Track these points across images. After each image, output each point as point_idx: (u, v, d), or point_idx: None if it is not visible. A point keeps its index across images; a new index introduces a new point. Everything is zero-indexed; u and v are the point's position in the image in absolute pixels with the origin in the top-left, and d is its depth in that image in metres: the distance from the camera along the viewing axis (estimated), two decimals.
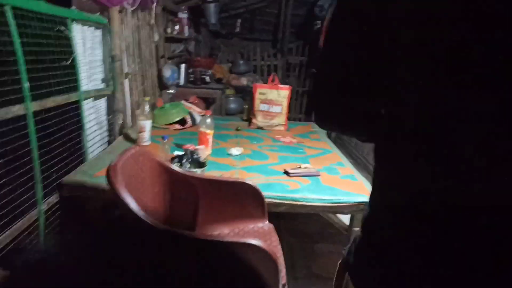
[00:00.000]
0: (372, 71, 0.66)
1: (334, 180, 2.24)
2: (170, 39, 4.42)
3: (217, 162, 2.45)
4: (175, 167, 1.79)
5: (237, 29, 6.20)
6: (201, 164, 2.15)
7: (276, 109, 3.50)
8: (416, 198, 0.61)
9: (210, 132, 2.57)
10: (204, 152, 2.35)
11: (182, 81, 4.51)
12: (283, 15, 5.90)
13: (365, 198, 1.99)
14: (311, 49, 5.86)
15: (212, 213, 1.79)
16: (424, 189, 0.60)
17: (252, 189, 1.80)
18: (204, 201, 1.78)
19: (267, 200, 1.92)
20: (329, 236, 2.64)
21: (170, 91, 4.17)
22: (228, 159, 2.53)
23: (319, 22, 5.38)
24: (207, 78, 4.70)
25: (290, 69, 6.15)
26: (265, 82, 5.74)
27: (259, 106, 3.53)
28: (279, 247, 1.63)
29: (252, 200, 1.81)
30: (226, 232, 1.78)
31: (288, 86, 3.63)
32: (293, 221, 2.84)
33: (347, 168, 2.49)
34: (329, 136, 3.74)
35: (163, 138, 2.28)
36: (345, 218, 2.68)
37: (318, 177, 2.28)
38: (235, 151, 2.62)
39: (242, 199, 1.81)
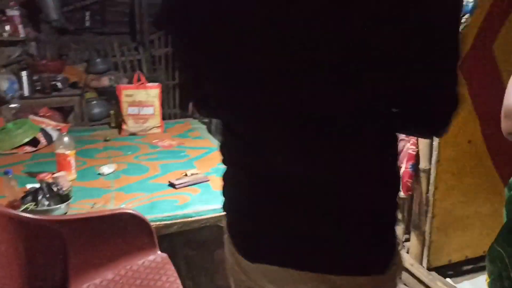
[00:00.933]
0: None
1: None
2: (0, 43, 3.64)
3: (85, 187, 2.05)
4: (23, 214, 1.37)
5: (87, 23, 5.50)
6: (63, 198, 1.74)
7: (147, 110, 3.15)
8: (240, 169, 0.82)
9: (70, 153, 2.13)
10: (65, 179, 1.93)
11: (26, 91, 3.78)
12: (138, 4, 5.43)
13: None
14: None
15: (87, 259, 1.45)
16: (241, 163, 0.80)
17: (134, 217, 1.50)
18: (74, 247, 1.42)
19: (154, 224, 1.64)
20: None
21: (12, 105, 3.45)
22: (99, 181, 2.14)
23: None
24: (59, 84, 4.04)
25: (155, 62, 5.74)
26: (130, 79, 5.25)
27: (127, 110, 3.13)
28: (178, 281, 1.39)
29: (136, 231, 1.52)
30: (110, 277, 1.46)
31: (156, 83, 3.29)
32: (188, 233, 2.60)
33: None
34: (209, 130, 3.55)
35: (6, 173, 1.79)
36: None
37: (208, 182, 2.07)
38: (107, 168, 2.24)
39: (124, 232, 1.50)
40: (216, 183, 2.05)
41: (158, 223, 1.69)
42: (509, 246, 0.85)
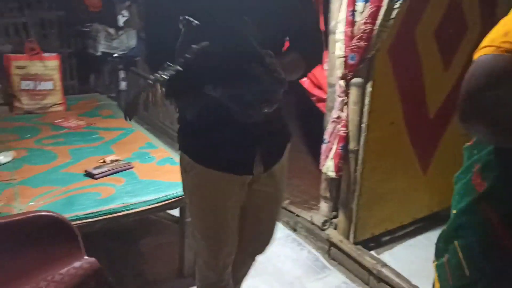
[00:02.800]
0: None
1: (151, 170, 1.88)
2: None
3: None
4: None
5: None
6: None
7: (45, 85, 2.74)
8: None
9: None
10: None
11: None
12: None
13: None
14: (69, 1, 4.85)
15: None
16: None
17: (52, 220, 1.27)
18: None
19: (75, 223, 1.42)
20: (152, 226, 2.31)
21: None
22: None
23: None
24: None
25: (45, 26, 4.99)
26: (15, 45, 4.51)
27: (20, 84, 2.68)
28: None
29: (56, 235, 1.29)
30: None
31: (55, 54, 2.87)
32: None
33: (160, 149, 2.15)
34: (119, 107, 3.23)
35: None
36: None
37: (132, 170, 1.87)
38: (3, 157, 1.89)
39: (41, 238, 1.26)
40: (142, 171, 1.87)
41: (79, 222, 1.48)
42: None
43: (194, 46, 0.79)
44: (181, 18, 0.82)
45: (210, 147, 1.09)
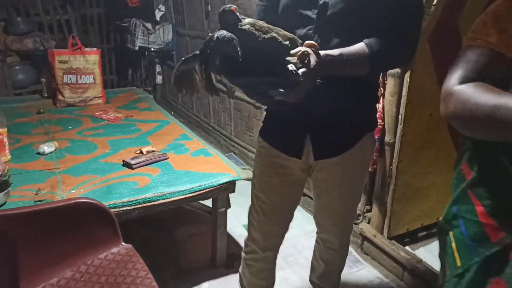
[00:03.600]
0: None
1: (186, 161, 1.92)
2: None
3: (24, 170, 1.80)
4: None
5: None
6: (1, 185, 1.50)
7: (86, 79, 2.84)
8: None
9: (2, 130, 1.85)
10: (0, 162, 1.66)
11: None
12: None
13: (228, 177, 1.75)
14: None
15: (40, 257, 1.26)
16: None
17: (93, 207, 1.33)
18: (23, 244, 1.23)
19: (114, 211, 1.48)
20: (186, 217, 2.36)
21: None
22: (40, 161, 1.89)
23: None
24: None
25: (87, 23, 5.18)
26: (59, 42, 4.72)
27: (62, 78, 2.80)
28: (149, 275, 1.26)
29: (96, 222, 1.34)
30: (68, 275, 1.29)
31: (95, 49, 2.96)
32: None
33: (195, 140, 2.19)
34: (155, 100, 3.32)
35: None
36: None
37: (167, 160, 1.91)
38: (47, 147, 1.98)
39: (82, 224, 1.32)
40: (176, 161, 1.91)
41: (117, 209, 1.53)
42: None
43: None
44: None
45: (272, 127, 1.26)
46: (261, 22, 0.91)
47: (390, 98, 1.79)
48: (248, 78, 0.89)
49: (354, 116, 1.15)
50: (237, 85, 0.94)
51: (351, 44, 1.00)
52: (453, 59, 1.92)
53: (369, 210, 2.07)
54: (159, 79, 4.11)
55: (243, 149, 3.28)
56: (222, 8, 0.89)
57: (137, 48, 4.13)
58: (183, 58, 0.97)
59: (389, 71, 1.76)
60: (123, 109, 2.75)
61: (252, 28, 0.88)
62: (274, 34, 0.89)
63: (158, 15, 4.17)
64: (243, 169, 1.94)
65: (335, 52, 0.97)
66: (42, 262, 1.27)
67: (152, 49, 4.16)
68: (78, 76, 2.81)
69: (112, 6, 4.98)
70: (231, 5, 0.89)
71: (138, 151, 1.98)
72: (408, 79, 1.74)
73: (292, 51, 0.90)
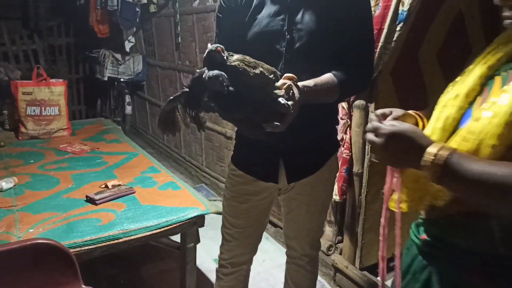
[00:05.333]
0: None
1: (153, 195, 1.86)
2: None
3: None
4: None
5: None
6: None
7: (51, 110, 2.76)
8: None
9: None
10: None
11: None
12: None
13: (197, 211, 1.71)
14: (79, 28, 4.97)
15: None
16: None
17: (50, 247, 1.25)
18: None
19: (74, 251, 1.40)
20: (154, 252, 2.28)
21: None
22: None
23: None
24: None
25: (55, 53, 5.10)
26: (25, 72, 4.60)
27: (25, 109, 2.71)
28: None
29: (55, 263, 1.27)
30: None
31: (61, 80, 2.91)
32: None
33: (163, 173, 2.14)
34: (124, 131, 3.25)
35: None
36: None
37: (134, 195, 1.85)
38: (5, 183, 1.88)
39: (40, 265, 1.24)
40: (143, 196, 1.85)
41: (78, 249, 1.45)
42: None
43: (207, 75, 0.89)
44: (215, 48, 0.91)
45: (244, 155, 1.33)
46: (248, 57, 0.93)
47: (357, 129, 1.83)
48: (242, 113, 0.90)
49: (322, 138, 1.29)
50: (229, 120, 0.98)
51: (317, 75, 1.05)
52: (414, 90, 2.00)
53: (341, 241, 2.06)
54: (128, 109, 4.06)
55: (214, 179, 3.24)
56: (208, 49, 0.91)
57: (106, 78, 4.09)
58: (170, 98, 0.98)
59: (355, 103, 1.81)
60: (90, 141, 2.68)
61: (242, 64, 0.89)
62: (261, 69, 0.91)
63: (128, 46, 4.16)
64: (213, 201, 1.91)
65: (310, 83, 1.05)
66: None
67: (121, 80, 4.13)
68: (43, 108, 2.73)
69: (82, 36, 4.95)
70: (216, 45, 0.91)
71: (103, 186, 1.91)
72: (373, 110, 1.79)
73: (277, 84, 0.93)
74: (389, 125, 0.74)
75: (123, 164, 2.26)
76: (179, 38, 3.45)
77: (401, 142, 0.72)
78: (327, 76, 1.11)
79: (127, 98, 4.03)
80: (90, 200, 1.77)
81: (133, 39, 4.19)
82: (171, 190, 1.93)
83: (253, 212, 1.37)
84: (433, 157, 0.67)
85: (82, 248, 1.46)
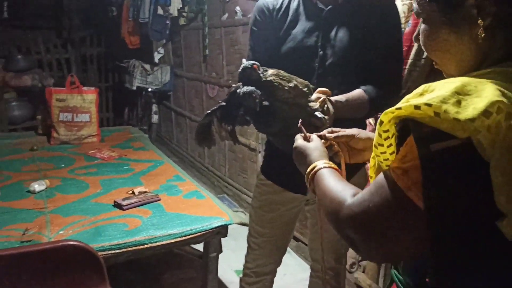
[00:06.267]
0: None
1: (178, 203, 1.89)
2: None
3: (12, 209, 1.76)
4: None
5: (5, 15, 4.89)
6: None
7: (82, 117, 2.85)
8: None
9: None
10: None
11: None
12: None
13: (221, 221, 1.72)
14: (109, 39, 5.15)
15: None
16: None
17: (80, 250, 1.29)
18: (8, 287, 1.18)
19: (102, 254, 1.43)
20: (175, 260, 2.30)
21: None
22: (29, 200, 1.86)
23: (114, 8, 4.72)
24: None
25: (86, 62, 5.29)
26: (57, 79, 4.78)
27: (58, 116, 2.81)
28: None
29: (83, 265, 1.30)
30: None
31: (93, 88, 3.00)
32: None
33: (188, 182, 2.17)
34: (150, 139, 3.32)
35: None
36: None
37: (159, 202, 1.88)
38: (38, 185, 1.95)
39: (69, 266, 1.28)
40: (168, 203, 1.88)
41: (105, 252, 1.49)
42: None
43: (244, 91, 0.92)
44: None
45: (275, 165, 1.37)
46: (282, 72, 0.95)
47: None
48: (276, 127, 0.93)
49: None
50: (264, 132, 1.01)
51: (347, 90, 1.07)
52: None
53: (364, 259, 2.03)
54: (155, 118, 4.15)
55: (237, 190, 3.25)
56: (243, 65, 0.94)
57: (134, 88, 4.20)
58: (207, 112, 1.02)
59: None
60: (117, 148, 2.74)
61: (276, 78, 0.92)
62: (295, 82, 0.94)
63: (157, 57, 4.28)
64: (236, 211, 1.92)
65: (342, 98, 1.09)
66: None
67: (149, 89, 4.23)
68: (74, 115, 2.82)
69: (112, 47, 5.12)
70: (252, 62, 0.94)
71: (130, 192, 1.95)
72: None
73: (312, 98, 0.95)
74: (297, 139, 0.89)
75: (149, 172, 2.31)
76: (207, 51, 3.53)
77: (298, 155, 0.87)
78: (358, 92, 1.14)
79: (154, 108, 4.12)
80: (117, 205, 1.81)
81: (162, 50, 4.30)
82: (195, 199, 1.95)
83: (280, 222, 1.39)
84: (310, 169, 0.80)
85: (109, 252, 1.49)
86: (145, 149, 2.77)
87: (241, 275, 1.60)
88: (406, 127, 0.55)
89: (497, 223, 0.47)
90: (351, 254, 2.06)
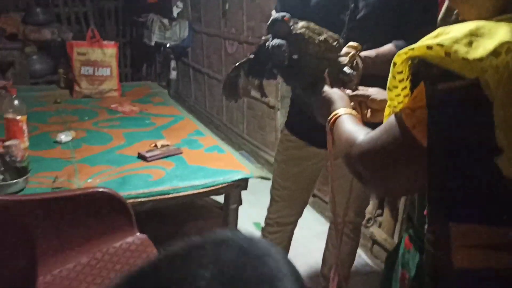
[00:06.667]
0: None
1: (200, 157, 1.93)
2: None
3: (41, 157, 1.83)
4: None
5: None
6: (20, 171, 1.53)
7: (103, 71, 2.87)
8: None
9: (22, 117, 1.88)
10: (19, 148, 1.70)
11: None
12: None
13: (241, 174, 1.76)
14: None
15: (57, 243, 1.28)
16: None
17: (109, 197, 1.35)
18: (40, 229, 1.25)
19: (128, 201, 1.49)
20: (196, 212, 2.38)
21: None
22: (57, 150, 1.92)
23: None
24: None
25: (104, 16, 5.24)
26: (76, 33, 4.77)
27: (79, 69, 2.83)
28: None
29: (112, 211, 1.36)
30: (84, 261, 1.31)
31: (112, 42, 3.00)
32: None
33: (208, 137, 2.20)
34: (169, 95, 3.34)
35: None
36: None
37: (181, 155, 1.93)
38: (64, 136, 2.01)
39: (98, 212, 1.35)
40: (190, 156, 1.92)
41: (132, 200, 1.55)
42: None
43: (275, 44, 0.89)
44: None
45: (299, 120, 1.39)
46: (312, 24, 0.93)
47: None
48: (305, 81, 0.93)
49: None
50: (294, 87, 1.00)
51: (378, 46, 1.05)
52: None
53: (380, 214, 2.07)
54: (173, 74, 4.15)
55: (254, 147, 3.29)
56: (273, 17, 0.92)
57: (153, 43, 4.17)
58: (235, 65, 1.01)
59: None
60: (138, 103, 2.78)
61: (307, 30, 0.90)
62: (326, 35, 0.92)
63: (175, 11, 4.20)
64: (255, 167, 1.95)
65: (372, 53, 1.07)
66: (58, 248, 1.29)
67: (167, 45, 4.20)
68: (96, 68, 2.84)
69: (130, 1, 5.03)
70: (283, 14, 0.92)
71: (153, 145, 2.00)
72: None
73: (342, 53, 0.93)
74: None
75: (170, 126, 2.35)
76: (227, 5, 3.45)
77: (323, 101, 0.89)
78: (389, 47, 1.12)
79: (173, 63, 4.11)
80: (141, 157, 1.86)
81: (181, 5, 4.22)
82: (216, 153, 1.99)
83: (303, 176, 1.42)
84: (331, 116, 0.83)
85: (136, 200, 1.56)
86: (165, 104, 2.80)
87: (262, 225, 1.66)
88: (419, 72, 0.56)
89: (495, 159, 0.48)
90: (367, 210, 2.10)
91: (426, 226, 0.57)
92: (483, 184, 0.51)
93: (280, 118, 2.90)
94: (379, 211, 2.07)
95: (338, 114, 0.81)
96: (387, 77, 1.19)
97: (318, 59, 0.91)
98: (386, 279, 0.87)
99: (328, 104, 0.86)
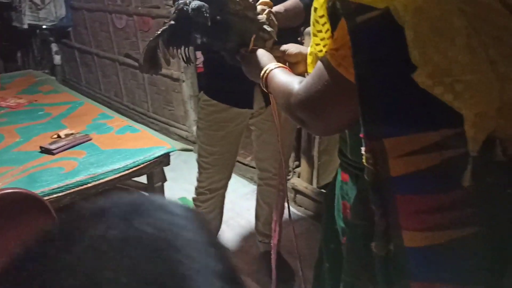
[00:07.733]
0: None
1: (112, 140, 1.83)
2: None
3: None
4: None
5: None
6: None
7: None
8: None
9: None
10: None
11: None
12: None
13: (163, 149, 1.72)
14: None
15: None
16: None
17: (21, 196, 1.21)
18: None
19: (45, 199, 1.37)
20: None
21: None
22: None
23: None
24: None
25: None
26: None
27: None
28: None
29: (29, 212, 1.23)
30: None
31: None
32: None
33: (116, 118, 2.08)
34: (60, 82, 3.04)
35: None
36: None
37: (91, 141, 1.80)
38: None
39: (13, 216, 1.21)
40: (102, 141, 1.81)
41: (47, 197, 1.41)
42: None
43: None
44: None
45: (218, 84, 1.37)
46: None
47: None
48: (231, 42, 0.90)
49: None
50: (222, 50, 0.95)
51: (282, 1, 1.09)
52: None
53: (298, 166, 2.20)
54: (57, 59, 3.75)
55: (164, 124, 3.20)
56: None
57: (26, 26, 3.69)
58: (156, 34, 0.92)
59: (306, 30, 1.85)
60: (24, 94, 2.48)
61: None
62: None
63: None
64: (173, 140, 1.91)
65: (281, 8, 1.10)
66: None
67: (44, 27, 3.75)
68: None
69: None
70: None
71: (55, 136, 1.82)
72: None
73: (258, 11, 0.94)
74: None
75: (69, 114, 2.16)
76: None
77: (249, 63, 0.91)
78: (294, 1, 1.15)
79: (54, 47, 3.71)
80: (45, 151, 1.69)
81: None
82: (129, 133, 1.90)
83: (229, 138, 1.43)
84: (263, 72, 0.85)
85: (51, 196, 1.43)
86: (57, 91, 2.54)
87: (191, 197, 1.65)
88: (337, 10, 0.60)
89: (412, 75, 0.56)
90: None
91: (363, 148, 0.62)
92: (406, 98, 0.58)
93: (187, 89, 2.84)
94: (296, 163, 2.20)
95: (270, 69, 0.83)
96: (295, 30, 1.25)
97: (239, 18, 0.90)
98: (329, 216, 0.94)
99: (256, 62, 0.88)
